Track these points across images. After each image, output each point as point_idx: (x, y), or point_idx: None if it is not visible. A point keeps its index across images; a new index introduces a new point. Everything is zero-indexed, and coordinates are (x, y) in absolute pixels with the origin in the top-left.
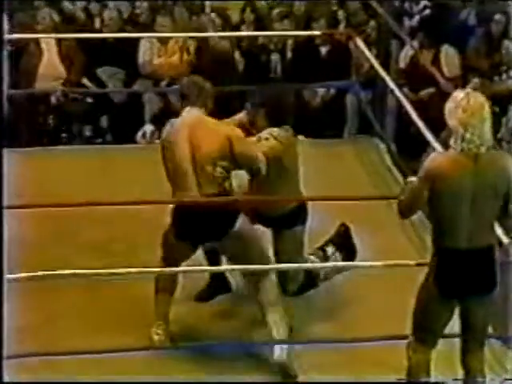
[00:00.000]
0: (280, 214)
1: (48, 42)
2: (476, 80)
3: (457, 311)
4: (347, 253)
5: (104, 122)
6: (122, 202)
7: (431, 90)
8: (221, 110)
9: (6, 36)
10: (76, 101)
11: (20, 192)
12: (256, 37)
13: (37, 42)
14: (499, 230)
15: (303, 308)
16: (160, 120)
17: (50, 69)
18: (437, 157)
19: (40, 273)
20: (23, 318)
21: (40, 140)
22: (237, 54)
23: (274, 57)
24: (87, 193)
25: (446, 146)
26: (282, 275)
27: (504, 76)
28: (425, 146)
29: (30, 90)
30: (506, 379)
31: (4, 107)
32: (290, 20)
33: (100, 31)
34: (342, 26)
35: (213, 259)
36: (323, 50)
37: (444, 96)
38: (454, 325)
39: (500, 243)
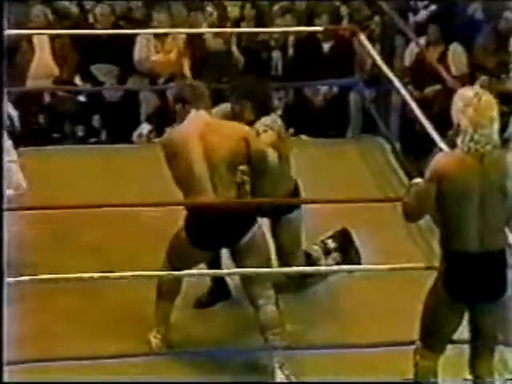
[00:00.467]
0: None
1: (41, 40)
2: (484, 78)
3: (466, 316)
4: (349, 255)
5: (98, 121)
6: (127, 204)
7: (437, 87)
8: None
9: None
10: (68, 99)
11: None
12: (256, 33)
13: (29, 39)
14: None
15: (306, 312)
16: (157, 119)
17: (43, 67)
18: (443, 157)
19: (39, 276)
20: (20, 323)
21: (32, 140)
22: (236, 51)
23: (275, 54)
24: (83, 194)
25: (452, 145)
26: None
27: None
28: (431, 145)
29: (22, 89)
30: (507, 379)
31: (4, 107)
32: (291, 16)
33: (93, 27)
34: (345, 22)
35: (214, 264)
36: (326, 46)
37: (450, 94)
38: (463, 330)
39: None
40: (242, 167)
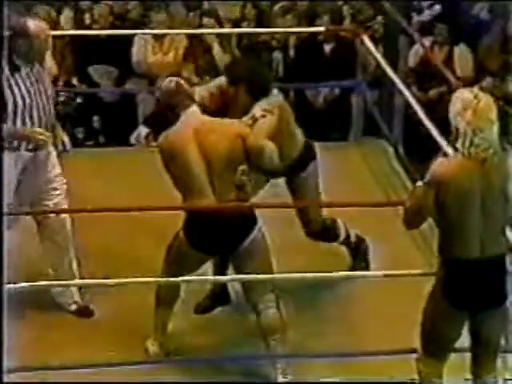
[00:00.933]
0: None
1: None
2: (488, 79)
3: (467, 324)
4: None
5: (95, 123)
6: (125, 208)
7: (441, 89)
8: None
9: None
10: (65, 101)
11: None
12: (257, 34)
13: None
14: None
15: (309, 317)
16: (155, 121)
17: None
18: (443, 162)
19: (38, 283)
20: (17, 330)
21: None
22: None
23: (276, 55)
24: (80, 197)
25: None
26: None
27: None
28: (435, 148)
29: None
30: (506, 379)
31: (4, 116)
32: (292, 15)
33: (89, 28)
34: (347, 22)
35: (220, 269)
36: (327, 47)
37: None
38: (465, 339)
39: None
40: (242, 167)
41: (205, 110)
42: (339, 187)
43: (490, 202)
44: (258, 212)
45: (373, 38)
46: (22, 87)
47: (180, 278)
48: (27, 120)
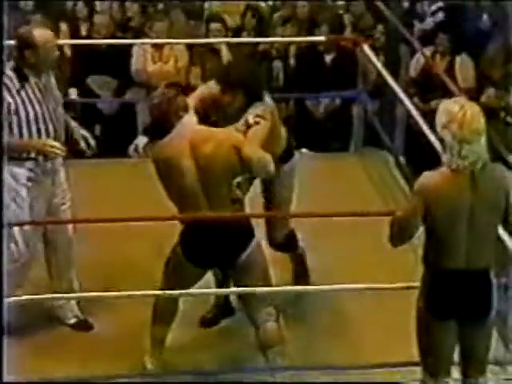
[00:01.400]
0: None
1: None
2: (490, 90)
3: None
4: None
5: (95, 134)
6: (116, 218)
7: (443, 99)
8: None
9: None
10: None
11: None
12: (257, 43)
13: None
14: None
15: (306, 330)
16: (154, 131)
17: None
18: (430, 174)
19: (36, 296)
20: (15, 344)
21: None
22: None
23: (276, 64)
24: (79, 209)
25: None
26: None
27: None
28: (436, 159)
29: None
30: (506, 379)
31: (3, 111)
32: (292, 24)
33: (88, 37)
34: (348, 31)
35: (222, 282)
36: (328, 57)
37: None
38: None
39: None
40: (237, 180)
41: (199, 116)
42: (339, 198)
43: (478, 215)
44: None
45: (373, 47)
46: (33, 97)
47: (178, 292)
48: (41, 130)
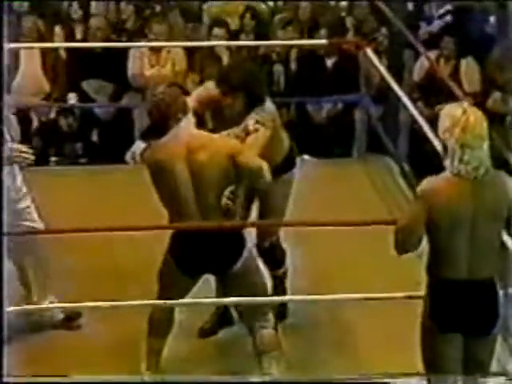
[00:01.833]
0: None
1: (30, 53)
2: (496, 94)
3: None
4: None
5: (90, 139)
6: (111, 227)
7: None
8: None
9: None
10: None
11: None
12: (257, 46)
13: (15, 52)
14: None
15: (308, 339)
16: (152, 135)
17: (30, 82)
18: (432, 181)
19: (32, 306)
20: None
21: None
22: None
23: (277, 68)
24: (71, 217)
25: None
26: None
27: None
28: (441, 165)
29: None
30: (507, 379)
31: (4, 110)
32: (293, 27)
33: (83, 40)
34: (350, 34)
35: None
36: (329, 61)
37: None
38: None
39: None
40: (228, 190)
41: (198, 120)
42: (342, 205)
43: (480, 223)
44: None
45: (377, 51)
46: None
47: (173, 302)
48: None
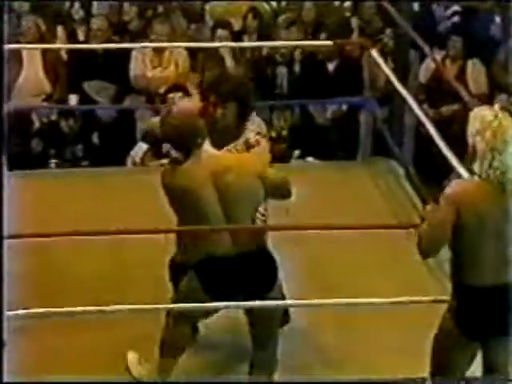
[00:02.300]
0: None
1: (31, 54)
2: (502, 96)
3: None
4: None
5: (92, 142)
6: (113, 231)
7: (454, 106)
8: None
9: None
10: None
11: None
12: (260, 47)
13: (18, 53)
14: None
15: (314, 345)
16: (154, 138)
17: (32, 83)
18: (460, 184)
19: (32, 310)
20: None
21: (18, 162)
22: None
23: (281, 69)
24: (73, 221)
25: (469, 168)
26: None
27: None
28: (447, 169)
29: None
30: (508, 380)
31: (4, 114)
32: (297, 28)
33: (84, 42)
34: (355, 35)
35: None
36: (330, 64)
37: (468, 114)
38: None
39: None
40: (263, 208)
41: None
42: (346, 209)
43: (505, 228)
44: None
45: (382, 52)
46: None
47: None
48: None
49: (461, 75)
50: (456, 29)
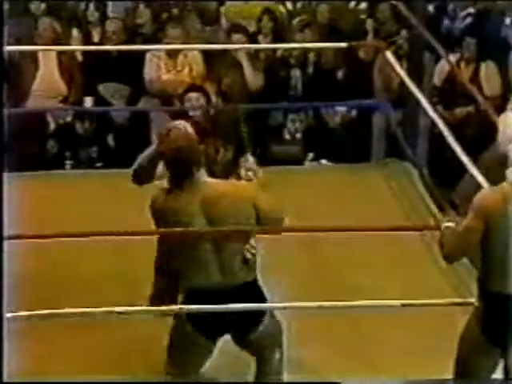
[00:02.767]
0: None
1: (47, 56)
2: None
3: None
4: None
5: (106, 143)
6: (126, 232)
7: (468, 108)
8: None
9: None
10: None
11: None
12: (274, 49)
13: (34, 55)
14: None
15: (321, 345)
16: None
17: (47, 85)
18: (489, 192)
19: (38, 312)
20: (19, 360)
21: (34, 163)
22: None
23: (295, 72)
24: (89, 222)
25: (484, 170)
26: None
27: None
28: (461, 171)
29: (28, 109)
30: (507, 379)
31: (4, 117)
32: (311, 30)
33: (99, 44)
34: (370, 37)
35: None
36: (339, 72)
37: (482, 116)
38: None
39: None
40: (252, 242)
41: None
42: (359, 210)
43: None
44: None
45: (397, 54)
46: None
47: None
48: None
49: (475, 77)
50: (470, 30)
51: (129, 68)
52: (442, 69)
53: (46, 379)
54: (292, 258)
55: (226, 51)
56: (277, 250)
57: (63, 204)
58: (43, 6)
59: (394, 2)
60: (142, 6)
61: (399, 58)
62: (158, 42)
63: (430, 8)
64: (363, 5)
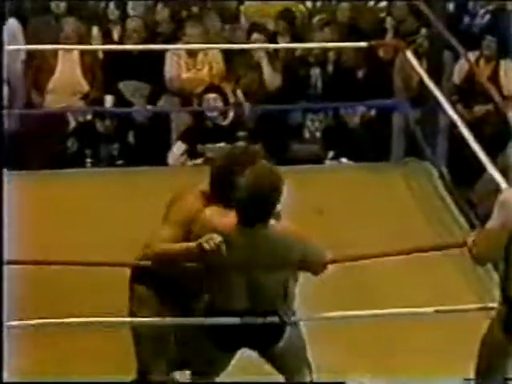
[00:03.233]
0: None
1: (69, 55)
2: None
3: None
4: None
5: (127, 141)
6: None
7: (487, 106)
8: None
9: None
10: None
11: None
12: (294, 48)
13: (54, 53)
14: None
15: (339, 348)
16: (190, 138)
17: (67, 81)
18: None
19: (38, 321)
20: (34, 361)
21: (53, 162)
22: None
23: (314, 71)
24: (109, 219)
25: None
26: None
27: None
28: (481, 170)
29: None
30: (507, 379)
31: (4, 115)
32: (331, 29)
33: (119, 43)
34: (389, 36)
35: None
36: (360, 72)
37: (501, 115)
38: None
39: None
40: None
41: None
42: (379, 209)
43: None
44: None
45: (416, 53)
46: None
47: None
48: None
49: (494, 75)
50: (489, 28)
51: (149, 66)
52: (461, 67)
53: (45, 379)
54: None
55: (245, 50)
56: None
57: (83, 202)
58: (63, 4)
59: (414, 1)
60: (160, 4)
61: (419, 56)
62: (178, 40)
63: (450, 6)
64: (383, 3)
